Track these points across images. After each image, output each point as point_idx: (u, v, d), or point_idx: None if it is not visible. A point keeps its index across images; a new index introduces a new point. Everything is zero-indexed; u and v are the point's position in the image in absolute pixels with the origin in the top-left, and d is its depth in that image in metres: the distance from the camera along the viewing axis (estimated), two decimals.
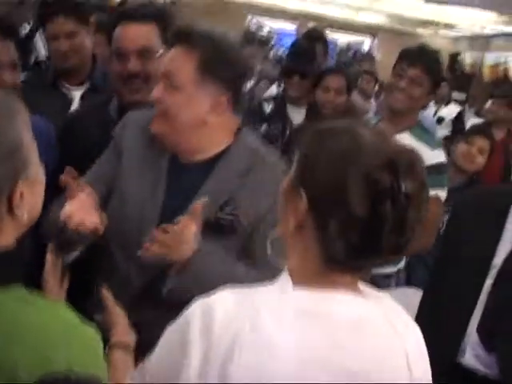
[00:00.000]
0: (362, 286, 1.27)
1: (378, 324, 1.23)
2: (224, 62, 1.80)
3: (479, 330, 1.92)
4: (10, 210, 1.21)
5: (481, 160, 3.88)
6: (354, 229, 1.13)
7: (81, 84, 2.92)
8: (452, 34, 14.63)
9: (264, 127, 4.11)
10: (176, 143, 1.90)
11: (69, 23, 2.85)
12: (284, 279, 1.22)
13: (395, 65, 3.10)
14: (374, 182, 1.11)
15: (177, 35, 1.84)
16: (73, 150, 2.29)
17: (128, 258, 1.87)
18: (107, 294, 1.68)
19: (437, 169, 2.88)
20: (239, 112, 1.95)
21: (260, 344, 1.15)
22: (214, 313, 1.17)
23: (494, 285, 1.92)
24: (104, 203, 1.88)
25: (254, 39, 7.11)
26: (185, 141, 1.88)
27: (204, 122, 1.85)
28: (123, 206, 1.92)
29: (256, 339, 1.15)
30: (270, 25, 13.43)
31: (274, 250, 1.33)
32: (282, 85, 4.48)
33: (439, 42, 14.48)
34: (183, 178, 1.91)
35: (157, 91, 1.83)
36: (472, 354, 1.93)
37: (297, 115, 4.19)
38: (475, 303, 1.94)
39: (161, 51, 2.18)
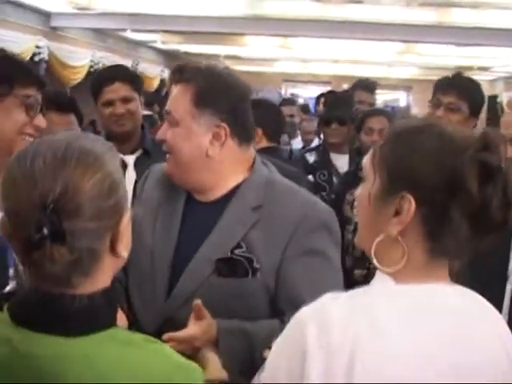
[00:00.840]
0: None
1: (476, 313, 1.24)
2: (217, 92, 1.84)
3: None
4: (113, 248, 1.19)
5: None
6: (475, 209, 1.16)
7: (133, 151, 3.02)
8: (487, 76, 14.67)
9: (310, 178, 4.13)
10: (186, 181, 1.91)
11: (125, 89, 3.01)
12: (382, 281, 1.22)
13: (432, 97, 3.09)
14: (485, 164, 1.17)
15: (173, 75, 1.90)
16: None
17: (144, 303, 1.90)
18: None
19: None
20: (249, 144, 1.93)
21: (380, 344, 1.14)
22: (329, 320, 1.16)
23: None
24: None
25: (293, 102, 7.22)
26: (195, 178, 1.89)
27: (207, 155, 1.84)
28: (138, 251, 1.89)
29: (375, 340, 1.14)
30: (303, 93, 13.68)
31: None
32: (322, 135, 4.53)
33: None
34: (198, 218, 1.90)
35: (160, 132, 1.89)
36: None
37: (340, 162, 4.22)
38: (500, 310, 1.90)
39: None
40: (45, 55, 9.50)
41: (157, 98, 8.90)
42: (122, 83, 3.01)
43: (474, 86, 3.14)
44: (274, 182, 1.92)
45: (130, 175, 2.86)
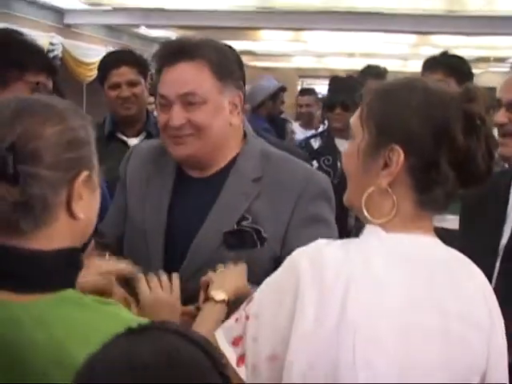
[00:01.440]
0: None
1: (461, 268, 1.30)
2: (229, 62, 1.83)
3: None
4: (68, 206, 1.19)
5: None
6: (462, 159, 1.23)
7: (137, 134, 3.10)
8: (504, 68, 14.52)
9: (315, 163, 4.12)
10: (212, 159, 1.87)
11: (131, 72, 3.10)
12: (374, 231, 1.26)
13: (421, 76, 3.09)
14: (469, 114, 1.23)
15: (177, 52, 1.80)
16: None
17: None
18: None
19: None
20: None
21: (373, 282, 1.20)
22: (324, 262, 1.21)
23: (501, 265, 1.89)
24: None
25: (310, 92, 7.25)
26: (223, 152, 1.87)
27: (230, 124, 1.84)
28: (130, 232, 1.95)
29: (369, 279, 1.20)
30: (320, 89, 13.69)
31: None
32: (326, 121, 4.52)
33: (491, 77, 14.39)
34: (193, 194, 1.89)
35: (179, 117, 1.78)
36: None
37: (345, 147, 4.19)
38: None
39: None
40: (58, 52, 9.61)
41: None
42: (129, 67, 3.09)
43: (461, 62, 3.18)
44: (268, 152, 1.93)
45: None
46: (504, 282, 1.84)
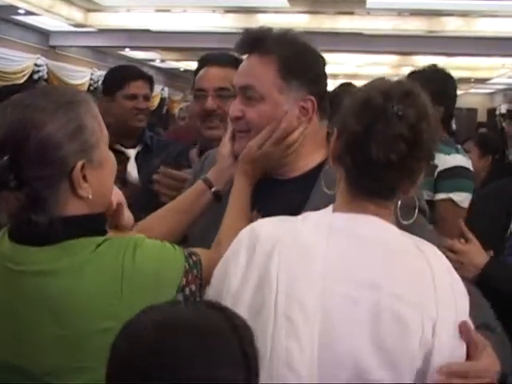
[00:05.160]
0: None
1: (402, 245, 1.33)
2: (304, 61, 1.72)
3: None
4: (73, 189, 1.35)
5: None
6: (353, 145, 1.32)
7: (135, 145, 3.20)
8: (486, 90, 14.76)
9: None
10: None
11: (147, 87, 3.26)
12: (326, 209, 1.40)
13: None
14: (368, 103, 1.32)
15: (248, 44, 1.74)
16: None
17: None
18: None
19: (452, 172, 2.90)
20: (324, 120, 1.79)
21: (297, 244, 1.30)
22: (258, 229, 1.37)
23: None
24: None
25: None
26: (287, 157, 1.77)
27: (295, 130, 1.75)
28: (202, 234, 1.82)
29: (294, 242, 1.31)
30: None
31: None
32: None
33: (472, 98, 14.63)
34: (276, 194, 1.77)
35: (235, 109, 1.72)
36: None
37: None
38: None
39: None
40: (44, 73, 9.86)
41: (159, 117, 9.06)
42: (145, 82, 3.25)
43: (438, 75, 3.17)
44: None
45: (131, 166, 3.11)
46: None
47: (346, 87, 5.16)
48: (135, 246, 1.37)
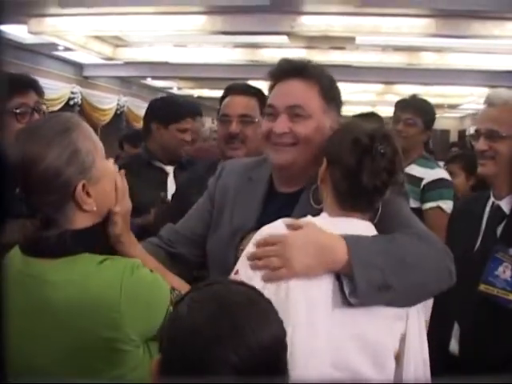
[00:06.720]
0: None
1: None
2: (336, 88, 1.88)
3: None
4: (78, 205, 1.40)
5: None
6: (348, 174, 1.56)
7: (171, 163, 3.34)
8: (457, 114, 15.31)
9: None
10: (303, 171, 1.84)
11: (195, 122, 3.63)
12: (322, 214, 1.63)
13: (393, 115, 3.47)
14: (358, 143, 1.55)
15: (292, 70, 1.84)
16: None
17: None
18: None
19: (437, 183, 3.22)
20: None
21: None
22: (266, 228, 1.60)
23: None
24: (201, 240, 2.00)
25: None
26: (311, 169, 1.78)
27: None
28: (220, 235, 1.95)
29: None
30: None
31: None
32: None
33: (445, 122, 15.36)
34: (278, 207, 1.86)
35: (284, 124, 1.79)
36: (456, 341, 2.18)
37: None
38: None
39: (258, 119, 2.49)
40: (78, 100, 10.57)
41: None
42: (192, 119, 3.52)
43: (427, 105, 3.52)
44: None
45: (171, 182, 3.29)
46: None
47: None
48: (133, 267, 1.39)
